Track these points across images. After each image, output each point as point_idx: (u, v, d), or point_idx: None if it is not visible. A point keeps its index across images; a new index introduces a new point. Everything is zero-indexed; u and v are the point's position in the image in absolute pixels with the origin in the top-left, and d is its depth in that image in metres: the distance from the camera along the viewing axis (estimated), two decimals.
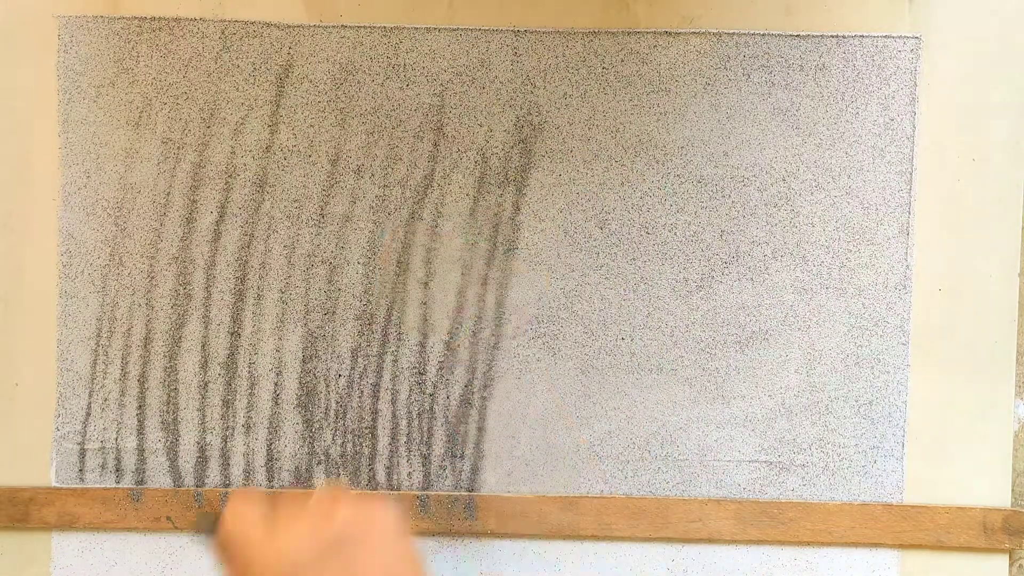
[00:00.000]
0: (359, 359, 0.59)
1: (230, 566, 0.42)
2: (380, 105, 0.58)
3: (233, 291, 0.59)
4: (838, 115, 0.58)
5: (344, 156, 0.59)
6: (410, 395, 0.59)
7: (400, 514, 0.42)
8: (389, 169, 0.59)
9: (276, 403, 0.59)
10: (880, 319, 0.59)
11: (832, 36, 0.58)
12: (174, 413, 0.59)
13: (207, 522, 0.44)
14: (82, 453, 0.59)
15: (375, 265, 0.59)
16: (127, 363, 0.59)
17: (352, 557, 0.40)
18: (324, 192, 0.59)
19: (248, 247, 0.59)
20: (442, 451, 0.59)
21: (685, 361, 0.59)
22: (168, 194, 0.59)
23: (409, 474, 0.59)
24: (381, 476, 0.59)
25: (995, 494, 0.59)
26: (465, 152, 0.59)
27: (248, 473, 0.59)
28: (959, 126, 0.59)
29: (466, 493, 0.59)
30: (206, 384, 0.59)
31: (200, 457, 0.59)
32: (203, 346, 0.59)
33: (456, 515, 0.59)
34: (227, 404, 0.59)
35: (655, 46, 0.58)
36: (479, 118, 0.59)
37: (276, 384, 0.59)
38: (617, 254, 0.59)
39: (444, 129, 0.59)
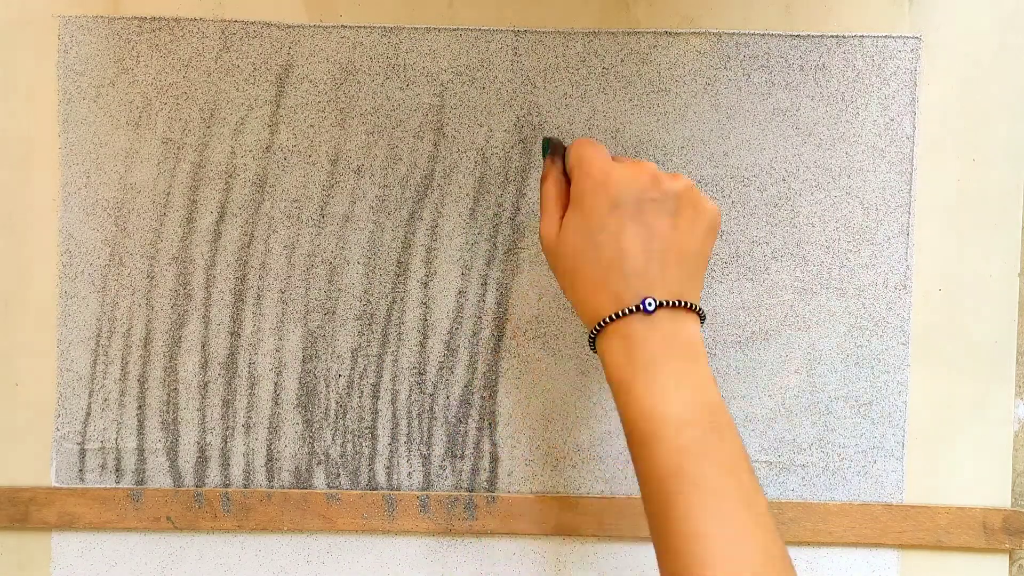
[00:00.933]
0: (359, 359, 0.59)
1: (578, 173, 0.49)
2: (380, 105, 0.58)
3: (233, 291, 0.59)
4: (838, 115, 0.58)
5: (344, 156, 0.59)
6: (410, 395, 0.59)
7: (716, 221, 0.49)
8: (389, 169, 0.59)
9: (276, 403, 0.59)
10: (880, 319, 0.59)
11: (832, 36, 0.58)
12: (174, 413, 0.59)
13: (552, 144, 0.52)
14: (82, 453, 0.59)
15: (375, 265, 0.59)
16: (127, 363, 0.59)
17: (680, 219, 0.47)
18: (324, 192, 0.59)
19: (248, 247, 0.59)
20: (442, 451, 0.59)
21: None
22: (168, 194, 0.59)
23: (409, 474, 0.59)
24: (381, 476, 0.59)
25: (995, 494, 0.59)
26: (465, 152, 0.59)
27: (248, 473, 0.59)
28: (959, 126, 0.59)
29: (466, 493, 0.59)
30: (206, 384, 0.59)
31: (200, 457, 0.59)
32: (203, 346, 0.59)
33: (456, 515, 0.59)
34: (227, 404, 0.59)
35: (655, 46, 0.58)
36: (479, 118, 0.59)
37: (276, 384, 0.59)
38: None
39: (444, 129, 0.59)
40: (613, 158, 0.50)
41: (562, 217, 0.49)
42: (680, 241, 0.47)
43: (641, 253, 0.46)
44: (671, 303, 0.46)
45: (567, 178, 0.51)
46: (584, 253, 0.47)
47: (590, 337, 0.48)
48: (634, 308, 0.45)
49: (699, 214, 0.48)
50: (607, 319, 0.46)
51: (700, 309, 0.47)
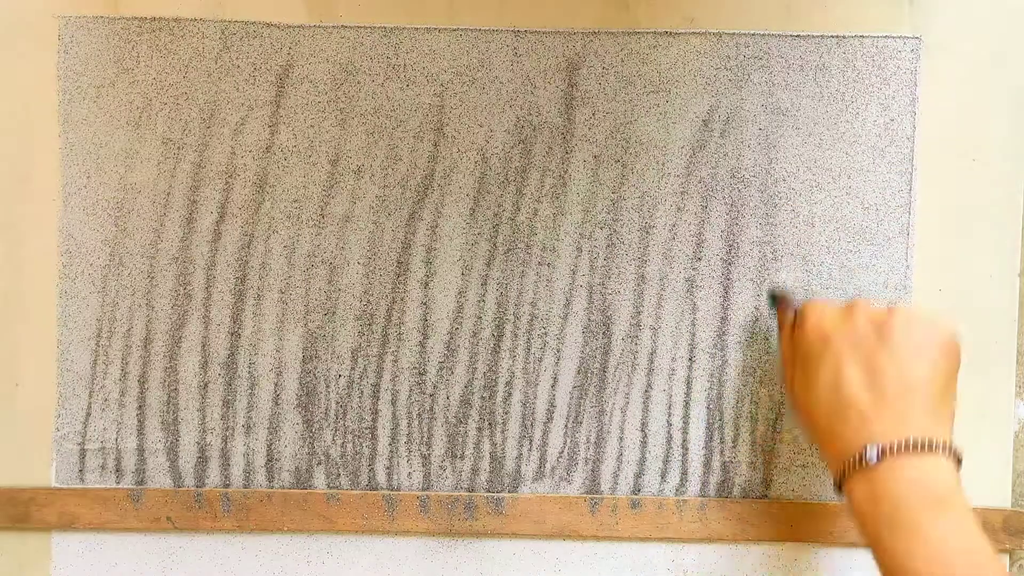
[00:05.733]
0: (359, 359, 0.59)
1: (798, 331, 0.49)
2: (380, 105, 0.58)
3: (233, 291, 0.59)
4: (838, 115, 0.58)
5: (344, 156, 0.59)
6: (410, 395, 0.59)
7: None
8: (389, 169, 0.59)
9: (276, 403, 0.59)
10: None
11: (832, 36, 0.58)
12: (174, 413, 0.59)
13: (777, 297, 0.54)
14: (82, 453, 0.59)
15: (375, 265, 0.59)
16: (127, 363, 0.59)
17: (896, 350, 0.44)
18: (324, 192, 0.59)
19: (248, 247, 0.59)
20: (442, 451, 0.59)
21: (685, 361, 0.59)
22: (168, 194, 0.59)
23: (409, 474, 0.59)
24: (381, 476, 0.59)
25: (995, 494, 0.59)
26: (465, 152, 0.59)
27: (248, 473, 0.59)
28: (959, 126, 0.59)
29: (466, 493, 0.59)
30: (206, 384, 0.59)
31: (200, 457, 0.59)
32: (203, 346, 0.59)
33: (456, 515, 0.59)
34: (227, 404, 0.59)
35: (655, 46, 0.58)
36: (479, 118, 0.59)
37: (276, 384, 0.59)
38: (617, 254, 0.59)
39: (444, 129, 0.59)
40: (843, 307, 0.49)
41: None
42: (903, 373, 0.44)
43: (862, 394, 0.44)
44: (898, 447, 0.42)
45: None
46: (811, 405, 0.46)
47: (835, 484, 0.45)
48: (859, 458, 0.42)
49: (923, 339, 0.44)
50: (846, 470, 0.43)
51: (945, 445, 0.42)
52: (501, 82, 0.58)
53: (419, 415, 0.59)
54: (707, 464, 0.59)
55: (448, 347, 0.59)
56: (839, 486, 0.45)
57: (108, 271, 0.59)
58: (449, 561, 0.60)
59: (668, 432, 0.59)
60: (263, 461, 0.59)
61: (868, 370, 0.44)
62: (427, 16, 0.58)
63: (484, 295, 0.59)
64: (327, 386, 0.59)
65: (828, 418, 0.45)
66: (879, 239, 0.59)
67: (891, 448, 0.42)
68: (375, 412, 0.59)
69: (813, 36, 0.58)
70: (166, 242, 0.59)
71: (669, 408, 0.59)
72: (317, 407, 0.59)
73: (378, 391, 0.59)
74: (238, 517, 0.59)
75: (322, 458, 0.59)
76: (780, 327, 0.52)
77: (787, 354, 0.50)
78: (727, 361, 0.59)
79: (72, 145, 0.58)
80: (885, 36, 0.58)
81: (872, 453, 0.42)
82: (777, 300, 0.55)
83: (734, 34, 0.58)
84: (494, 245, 0.59)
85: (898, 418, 0.43)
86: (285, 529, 0.59)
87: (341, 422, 0.59)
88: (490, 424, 0.59)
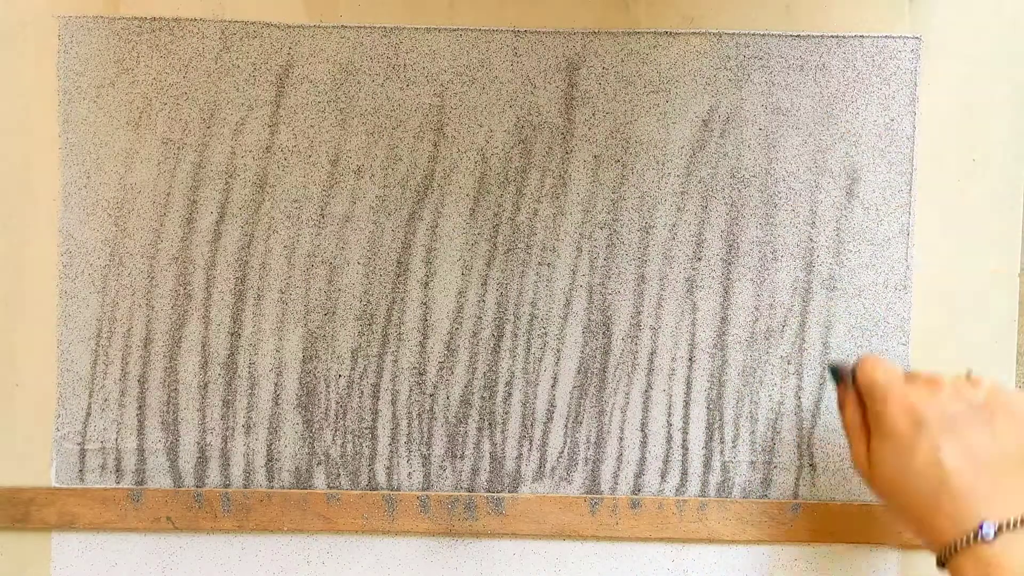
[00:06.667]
0: (359, 359, 0.59)
1: (872, 401, 0.49)
2: (380, 105, 0.58)
3: (233, 291, 0.59)
4: (838, 115, 0.58)
5: (344, 156, 0.59)
6: (410, 395, 0.59)
7: None
8: (389, 169, 0.59)
9: (276, 403, 0.59)
10: (880, 319, 0.59)
11: (832, 36, 0.58)
12: (174, 413, 0.59)
13: (839, 371, 0.53)
14: (82, 453, 0.59)
15: (375, 265, 0.59)
16: (127, 363, 0.59)
17: (996, 426, 0.46)
18: (324, 192, 0.59)
19: (248, 247, 0.59)
20: (442, 451, 0.59)
21: (685, 361, 0.59)
22: (168, 194, 0.59)
23: (409, 474, 0.59)
24: (381, 476, 0.59)
25: None
26: (465, 152, 0.59)
27: (248, 473, 0.59)
28: (959, 126, 0.59)
29: (466, 493, 0.59)
30: (206, 384, 0.59)
31: (200, 457, 0.59)
32: (203, 346, 0.59)
33: (456, 515, 0.59)
34: (227, 404, 0.59)
35: (655, 46, 0.58)
36: (479, 118, 0.59)
37: (276, 384, 0.59)
38: (617, 254, 0.59)
39: (444, 129, 0.59)
40: (906, 375, 0.49)
41: (868, 443, 0.49)
42: (1005, 451, 0.45)
43: (966, 470, 0.45)
44: (1014, 522, 0.43)
45: (862, 402, 0.51)
46: (905, 480, 0.47)
47: (939, 560, 0.46)
48: (973, 535, 0.44)
49: (1017, 416, 0.46)
50: (954, 547, 0.44)
51: None
52: (501, 82, 0.58)
53: (419, 415, 0.59)
54: (707, 464, 0.59)
55: (448, 347, 0.59)
56: (942, 563, 0.46)
57: (108, 271, 0.59)
58: (449, 561, 0.60)
59: (668, 432, 0.59)
60: (263, 461, 0.59)
61: (970, 449, 0.45)
62: (427, 16, 0.58)
63: (484, 295, 0.59)
64: (327, 386, 0.59)
65: (928, 497, 0.46)
66: (879, 239, 0.59)
67: (1008, 524, 0.43)
68: (375, 412, 0.59)
69: (813, 36, 0.58)
70: (166, 242, 0.59)
71: (669, 408, 0.59)
72: (317, 407, 0.59)
73: (378, 391, 0.59)
74: (238, 517, 0.59)
75: (322, 458, 0.59)
76: (843, 397, 0.52)
77: (859, 425, 0.51)
78: (727, 361, 0.59)
79: (72, 145, 0.58)
80: (885, 36, 0.58)
81: (989, 530, 0.43)
82: (840, 372, 0.53)
83: (734, 34, 0.58)
84: (494, 245, 0.59)
85: (1009, 494, 0.44)
86: (285, 529, 0.59)
87: (341, 422, 0.59)
88: (490, 424, 0.59)
